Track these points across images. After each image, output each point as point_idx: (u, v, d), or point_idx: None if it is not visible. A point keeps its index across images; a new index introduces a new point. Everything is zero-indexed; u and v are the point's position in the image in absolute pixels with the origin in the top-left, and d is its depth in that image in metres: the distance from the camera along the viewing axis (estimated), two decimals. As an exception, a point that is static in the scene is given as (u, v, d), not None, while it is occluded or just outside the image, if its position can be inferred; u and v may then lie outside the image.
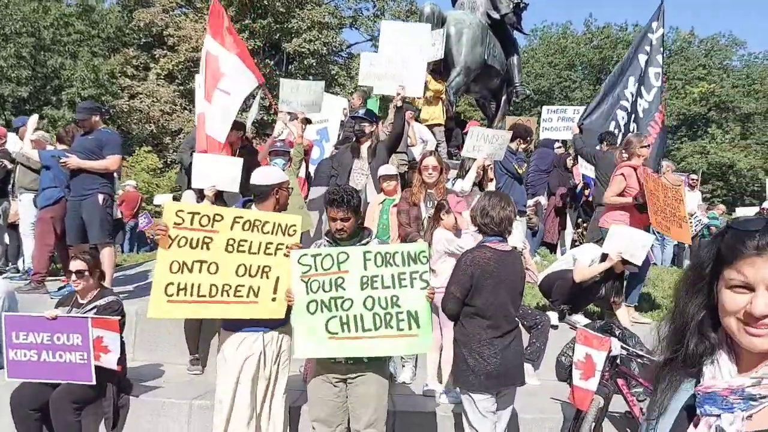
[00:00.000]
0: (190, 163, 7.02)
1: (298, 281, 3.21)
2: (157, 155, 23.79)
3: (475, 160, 5.83)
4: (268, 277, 3.41)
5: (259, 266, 3.40)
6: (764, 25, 60.28)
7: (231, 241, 3.36)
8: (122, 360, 4.18)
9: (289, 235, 3.43)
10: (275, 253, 3.41)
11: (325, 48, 26.28)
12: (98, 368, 3.93)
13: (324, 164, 6.55)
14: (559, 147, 9.64)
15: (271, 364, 3.57)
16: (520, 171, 6.95)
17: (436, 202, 4.91)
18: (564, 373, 5.17)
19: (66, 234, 5.94)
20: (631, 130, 7.88)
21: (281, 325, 3.58)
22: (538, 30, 36.31)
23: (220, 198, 5.51)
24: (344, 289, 3.18)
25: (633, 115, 7.93)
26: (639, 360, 4.27)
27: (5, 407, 4.02)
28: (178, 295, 3.31)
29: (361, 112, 6.30)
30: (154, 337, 5.31)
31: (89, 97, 22.92)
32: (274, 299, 3.42)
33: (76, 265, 4.26)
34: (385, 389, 3.37)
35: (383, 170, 5.38)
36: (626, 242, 5.21)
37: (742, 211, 15.07)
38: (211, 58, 5.74)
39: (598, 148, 7.54)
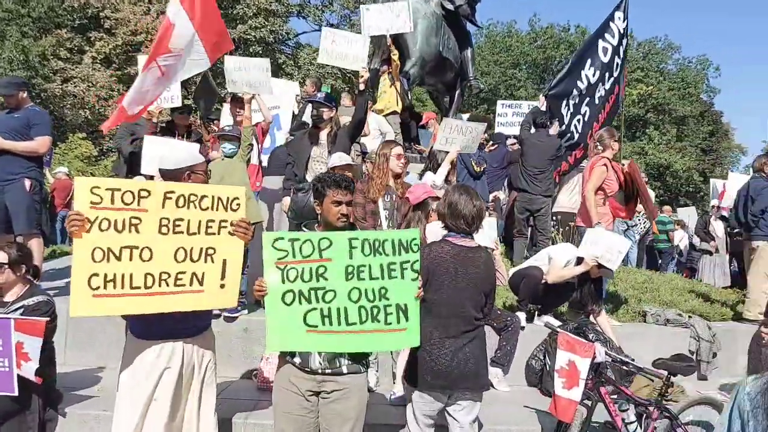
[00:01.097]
0: (130, 151, 6.54)
1: (273, 268, 2.81)
2: (92, 143, 22.48)
3: (447, 153, 5.63)
4: (213, 261, 2.97)
5: (201, 248, 2.94)
6: (697, 29, 63.52)
7: (164, 221, 2.87)
8: (49, 369, 3.71)
9: (232, 209, 2.99)
10: (218, 232, 2.97)
11: (271, 36, 25.57)
12: (21, 378, 3.44)
13: (279, 152, 6.19)
14: (513, 143, 9.60)
15: (195, 379, 3.14)
16: (477, 169, 6.79)
17: (394, 196, 4.66)
18: (534, 377, 5.02)
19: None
20: (582, 112, 7.90)
21: (205, 329, 3.21)
22: (483, 28, 36.78)
23: None
24: (326, 279, 2.84)
25: (587, 98, 7.91)
26: (624, 367, 4.05)
27: None
28: (105, 288, 2.78)
29: (320, 95, 5.97)
30: (87, 337, 4.84)
31: (17, 80, 21.43)
32: (222, 286, 2.98)
33: (-1, 257, 3.75)
34: (365, 405, 3.03)
35: (338, 159, 5.01)
36: (604, 247, 5.06)
37: (683, 212, 15.64)
38: (167, 25, 5.13)
39: (532, 131, 7.46)
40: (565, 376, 3.61)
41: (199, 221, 2.94)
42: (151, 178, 4.99)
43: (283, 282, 2.82)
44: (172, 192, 2.89)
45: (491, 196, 8.13)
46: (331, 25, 28.71)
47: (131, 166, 6.73)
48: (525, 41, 35.52)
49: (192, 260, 2.94)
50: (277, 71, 24.88)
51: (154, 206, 2.86)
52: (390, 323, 2.87)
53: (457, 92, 10.49)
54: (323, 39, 5.94)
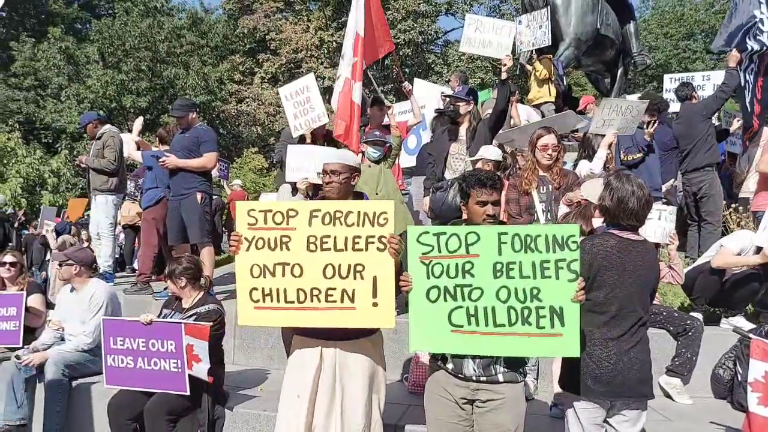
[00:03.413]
0: (286, 158, 6.92)
1: (417, 263, 2.71)
2: (263, 156, 24.61)
3: (602, 137, 5.05)
4: (362, 278, 2.90)
5: (349, 265, 2.90)
6: None
7: (312, 239, 2.92)
8: (219, 370, 3.98)
9: (379, 225, 2.88)
10: (366, 248, 2.89)
11: (420, 37, 25.80)
12: (193, 378, 3.73)
13: (424, 152, 6.08)
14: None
15: (346, 383, 3.09)
16: (625, 158, 5.93)
17: (550, 187, 4.24)
18: (723, 389, 4.30)
19: (167, 234, 5.94)
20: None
21: (360, 335, 3.09)
22: (649, -1, 33.40)
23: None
24: (473, 276, 2.65)
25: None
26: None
27: (104, 414, 3.95)
28: (264, 301, 2.96)
29: (458, 89, 5.72)
30: (252, 340, 5.13)
31: (201, 104, 24.30)
32: (375, 304, 2.89)
33: (168, 267, 4.16)
34: (523, 417, 2.78)
35: (486, 153, 4.72)
36: None
37: None
38: (357, 38, 5.69)
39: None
40: (760, 390, 3.06)
41: (346, 238, 2.90)
42: (295, 185, 5.20)
43: (428, 277, 2.70)
44: (318, 210, 2.93)
45: (666, 185, 7.17)
46: (479, 17, 28.20)
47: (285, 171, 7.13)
48: (700, 8, 31.50)
49: (341, 277, 2.91)
50: (427, 71, 25.12)
51: (302, 224, 2.93)
52: (543, 327, 2.59)
53: (619, 71, 9.60)
54: (466, 27, 5.74)
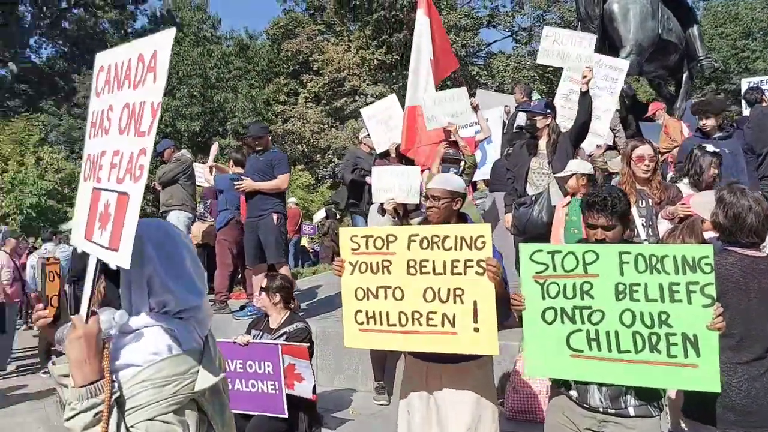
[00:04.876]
0: (351, 180, 6.98)
1: (531, 282, 2.60)
2: (309, 172, 25.00)
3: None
4: (462, 302, 2.85)
5: (449, 289, 2.87)
6: None
7: (411, 262, 2.93)
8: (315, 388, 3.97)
9: (477, 248, 2.82)
10: (465, 272, 2.84)
11: (463, 50, 25.81)
12: (290, 399, 3.73)
13: (499, 166, 6.00)
14: None
15: (448, 408, 3.02)
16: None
17: (650, 201, 4.08)
18: None
19: (245, 255, 6.04)
20: None
21: (462, 360, 3.01)
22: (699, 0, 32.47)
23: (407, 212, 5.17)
24: (592, 298, 2.50)
25: None
26: None
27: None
28: (368, 323, 3.01)
29: (533, 103, 5.63)
30: (334, 361, 5.12)
31: (250, 126, 24.97)
32: (477, 330, 2.81)
33: (266, 282, 4.25)
34: None
35: (577, 167, 4.60)
36: None
37: None
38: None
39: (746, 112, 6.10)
40: None
41: (444, 261, 2.88)
42: (383, 206, 5.19)
43: (543, 298, 2.57)
44: (416, 235, 2.94)
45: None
46: (524, 29, 28.04)
47: (352, 193, 7.20)
48: (755, 6, 30.42)
49: (441, 300, 2.88)
50: (471, 83, 25.01)
51: (401, 249, 2.94)
52: (674, 356, 2.39)
53: (684, 75, 9.28)
54: (543, 39, 5.67)
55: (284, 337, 4.04)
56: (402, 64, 26.38)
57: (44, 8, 31.86)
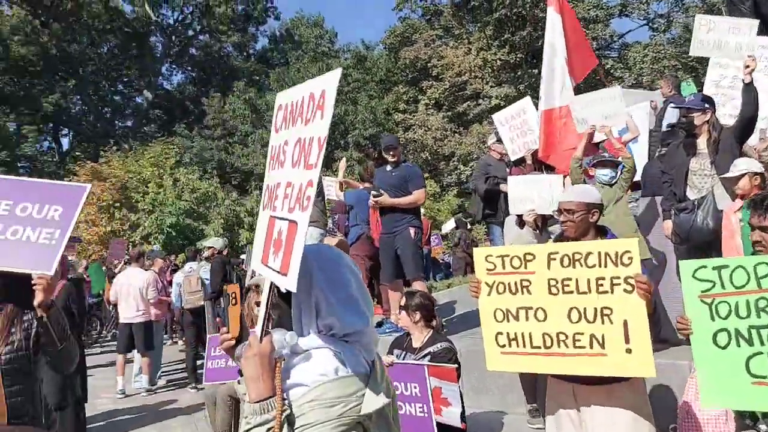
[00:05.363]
0: (486, 190, 6.75)
1: (697, 302, 2.36)
2: (434, 180, 24.95)
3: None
4: (611, 322, 2.68)
5: (595, 309, 2.71)
6: None
7: (552, 282, 2.81)
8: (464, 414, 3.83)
9: (623, 264, 2.64)
10: (612, 290, 2.67)
11: (594, 43, 24.41)
12: (439, 425, 3.61)
13: (652, 168, 5.49)
14: None
15: (589, 427, 2.86)
16: None
17: None
18: None
19: (380, 271, 6.07)
20: None
21: (611, 381, 2.80)
22: None
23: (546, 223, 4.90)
24: None
25: None
26: None
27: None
28: (510, 345, 2.95)
29: (689, 99, 5.07)
30: (479, 382, 4.93)
31: (370, 137, 25.55)
32: (629, 351, 2.64)
33: (404, 300, 4.16)
34: None
35: (749, 165, 4.05)
36: None
37: None
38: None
39: None
40: None
41: (588, 280, 2.75)
42: (521, 217, 4.95)
43: (713, 319, 2.33)
44: (556, 253, 2.84)
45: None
46: (660, 16, 25.94)
47: (487, 203, 6.97)
48: None
49: (587, 321, 2.75)
50: (606, 76, 23.57)
51: (540, 268, 2.87)
52: None
53: None
54: (697, 29, 5.14)
55: (428, 357, 3.93)
56: (527, 62, 25.59)
57: (173, 37, 35.35)
